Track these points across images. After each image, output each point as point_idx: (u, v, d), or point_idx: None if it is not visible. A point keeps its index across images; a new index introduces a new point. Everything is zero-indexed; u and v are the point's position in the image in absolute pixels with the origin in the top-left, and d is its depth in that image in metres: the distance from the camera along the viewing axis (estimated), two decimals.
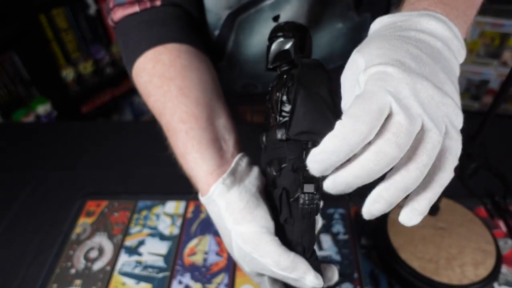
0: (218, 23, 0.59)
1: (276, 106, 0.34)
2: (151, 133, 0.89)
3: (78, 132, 0.87)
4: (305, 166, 0.24)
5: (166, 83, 0.44)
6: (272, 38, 0.39)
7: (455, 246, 0.57)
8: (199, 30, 0.58)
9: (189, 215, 0.68)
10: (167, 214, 0.68)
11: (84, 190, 0.74)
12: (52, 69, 1.41)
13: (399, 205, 0.69)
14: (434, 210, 0.61)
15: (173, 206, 0.70)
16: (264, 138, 0.37)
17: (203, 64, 0.48)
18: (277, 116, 0.35)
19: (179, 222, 0.67)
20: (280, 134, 0.34)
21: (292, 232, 0.37)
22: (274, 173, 0.36)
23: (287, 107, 0.33)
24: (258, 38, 0.61)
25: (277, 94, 0.34)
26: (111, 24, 0.55)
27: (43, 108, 1.43)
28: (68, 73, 1.46)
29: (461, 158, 0.50)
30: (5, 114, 1.37)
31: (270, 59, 0.38)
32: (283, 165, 0.35)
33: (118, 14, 0.52)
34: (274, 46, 0.38)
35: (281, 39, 0.38)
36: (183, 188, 0.76)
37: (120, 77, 1.66)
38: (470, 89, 1.79)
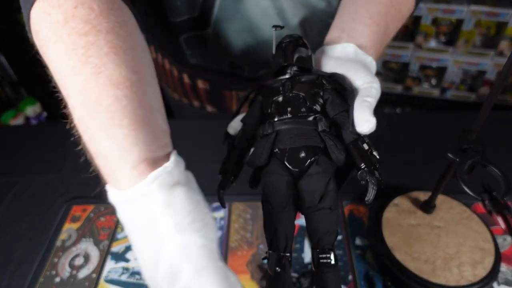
0: None
1: (313, 98, 0.36)
2: None
3: (63, 133, 0.83)
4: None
5: (93, 33, 0.31)
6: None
7: (452, 245, 0.55)
8: None
9: None
10: None
11: (70, 194, 0.71)
12: (40, 69, 1.38)
13: (393, 203, 0.66)
14: (430, 207, 0.59)
15: None
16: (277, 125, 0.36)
17: (138, 30, 0.37)
18: (313, 107, 0.36)
19: None
20: (321, 126, 0.35)
21: (328, 220, 0.32)
22: (311, 158, 0.34)
23: (317, 103, 0.37)
24: (248, 5, 0.58)
25: (317, 89, 0.37)
26: None
27: (32, 109, 1.40)
28: None
29: (457, 155, 0.48)
30: None
31: (287, 57, 0.40)
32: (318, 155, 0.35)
33: None
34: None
35: (302, 46, 0.41)
36: None
37: None
38: (466, 81, 1.77)
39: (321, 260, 0.31)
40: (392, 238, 0.57)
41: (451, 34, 1.67)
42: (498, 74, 1.65)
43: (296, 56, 0.39)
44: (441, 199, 0.61)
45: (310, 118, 0.36)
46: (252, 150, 0.38)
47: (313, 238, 0.32)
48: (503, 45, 1.63)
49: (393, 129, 0.83)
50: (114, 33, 0.32)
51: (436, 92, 1.81)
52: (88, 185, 0.73)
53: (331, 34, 0.47)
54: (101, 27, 0.32)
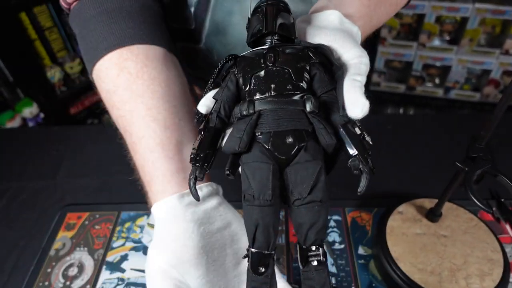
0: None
1: (299, 74, 0.32)
2: None
3: (57, 138, 0.82)
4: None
5: (133, 99, 0.41)
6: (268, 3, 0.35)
7: (459, 255, 0.53)
8: (164, 18, 0.52)
9: None
10: (152, 226, 0.64)
11: (64, 201, 0.69)
12: (37, 69, 1.36)
13: (397, 210, 0.64)
14: (435, 216, 0.57)
15: None
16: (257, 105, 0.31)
17: (172, 72, 0.44)
18: (299, 84, 0.32)
19: None
20: (310, 106, 0.30)
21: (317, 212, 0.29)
22: (299, 144, 0.30)
23: (304, 79, 0.32)
24: (237, 18, 0.55)
25: (303, 63, 0.32)
26: (64, 5, 0.48)
27: (28, 111, 1.38)
28: (54, 73, 1.41)
29: (466, 164, 0.45)
30: None
31: (268, 23, 0.34)
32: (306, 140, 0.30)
33: None
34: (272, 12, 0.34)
35: (285, 12, 0.35)
36: None
37: None
38: (471, 80, 1.74)
39: (310, 258, 0.29)
40: (396, 247, 0.54)
41: (456, 33, 1.64)
42: (504, 74, 1.63)
43: (278, 22, 0.34)
44: (447, 207, 0.58)
45: (297, 97, 0.31)
46: (228, 132, 0.33)
47: (301, 233, 0.29)
48: (509, 43, 1.60)
49: (396, 132, 0.81)
50: (149, 93, 0.42)
51: (439, 92, 1.78)
52: (83, 192, 0.71)
53: (318, 3, 0.43)
54: (139, 90, 0.42)
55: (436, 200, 0.57)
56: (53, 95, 1.44)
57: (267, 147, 0.30)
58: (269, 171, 0.29)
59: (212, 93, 0.34)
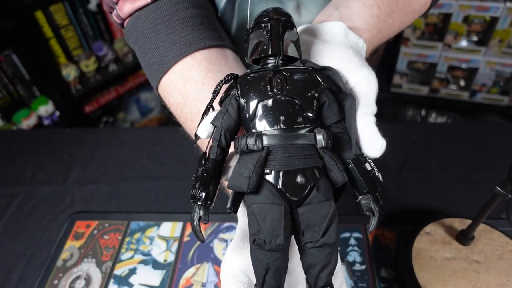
0: (220, 5, 0.51)
1: (309, 104, 0.30)
2: (148, 141, 0.84)
3: (70, 141, 0.81)
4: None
5: (203, 107, 0.38)
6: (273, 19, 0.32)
7: (494, 284, 0.48)
8: (216, 14, 0.51)
9: (185, 238, 0.61)
10: (162, 238, 0.61)
11: (74, 207, 0.67)
12: (53, 67, 1.36)
13: (424, 231, 0.60)
14: (467, 238, 0.52)
15: (169, 228, 0.63)
16: (265, 139, 0.29)
17: (237, 69, 0.43)
18: (309, 115, 0.30)
19: (174, 247, 0.60)
20: (322, 142, 0.29)
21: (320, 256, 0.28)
22: (310, 184, 0.29)
23: (313, 110, 0.30)
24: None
25: (312, 91, 0.31)
26: (117, 21, 0.47)
27: (44, 109, 1.37)
28: (70, 72, 1.40)
29: (508, 190, 0.41)
30: (5, 116, 1.33)
31: (274, 43, 0.31)
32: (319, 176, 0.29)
33: (126, 8, 0.44)
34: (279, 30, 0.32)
35: (291, 29, 0.32)
36: (180, 205, 0.70)
37: (125, 74, 1.58)
38: (499, 83, 1.65)
39: None
40: (423, 273, 0.50)
41: (484, 33, 1.56)
42: None
43: (285, 42, 0.31)
44: (479, 228, 0.54)
45: (307, 130, 0.30)
46: (232, 166, 0.31)
47: (311, 274, 0.29)
48: None
49: (422, 141, 0.76)
50: None
51: (465, 95, 1.70)
52: (93, 198, 0.69)
53: (324, 10, 0.42)
54: (206, 96, 0.38)
55: (468, 221, 0.53)
56: (68, 94, 1.43)
57: (278, 187, 0.28)
58: (281, 213, 0.28)
59: (211, 116, 0.32)
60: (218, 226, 0.62)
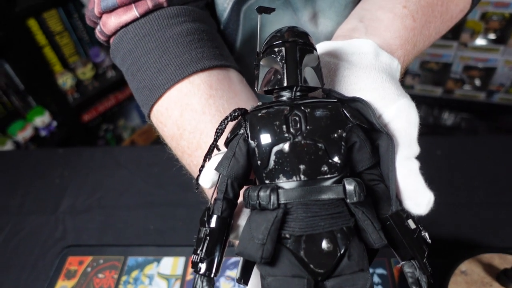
0: (223, 15, 0.45)
1: (335, 148, 0.25)
2: (145, 161, 0.77)
3: (62, 162, 0.74)
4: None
5: (202, 140, 0.35)
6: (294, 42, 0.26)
7: None
8: (218, 28, 0.45)
9: (188, 277, 0.55)
10: (162, 276, 0.55)
11: (66, 240, 0.61)
12: (48, 76, 1.29)
13: (459, 269, 0.53)
14: (510, 279, 0.45)
15: (170, 265, 0.56)
16: (276, 195, 0.24)
17: (242, 95, 0.37)
18: (336, 162, 0.25)
19: (177, 287, 0.54)
20: (354, 197, 0.24)
21: None
22: (340, 251, 0.23)
23: (341, 154, 0.25)
24: (268, 30, 0.46)
25: (339, 131, 0.25)
26: (101, 38, 0.40)
27: (40, 120, 1.32)
28: (66, 80, 1.34)
29: None
30: (0, 128, 1.27)
31: (290, 73, 0.26)
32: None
33: (111, 23, 0.37)
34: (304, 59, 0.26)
35: (310, 52, 0.26)
36: (182, 237, 0.64)
37: (124, 80, 1.51)
38: None
39: None
40: None
41: (503, 31, 1.47)
42: None
43: (304, 71, 0.26)
44: None
45: (334, 180, 0.24)
46: (242, 224, 0.26)
47: None
48: None
49: (448, 158, 0.68)
50: None
51: (481, 96, 1.62)
52: (86, 229, 0.63)
53: (346, 23, 0.35)
54: (207, 128, 0.35)
55: (510, 257, 0.46)
56: (65, 103, 1.37)
57: (299, 256, 0.23)
58: None
59: (215, 160, 0.27)
60: (224, 262, 0.55)
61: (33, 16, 1.20)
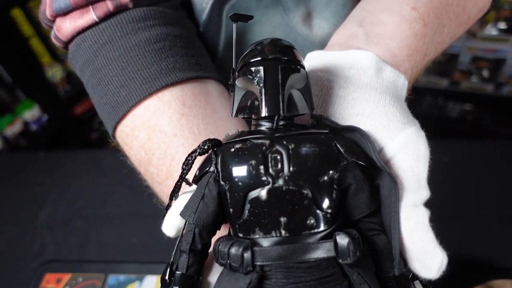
0: (202, 16, 0.39)
1: (325, 193, 0.20)
2: (129, 166, 0.72)
3: (43, 168, 0.70)
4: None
5: (174, 168, 0.30)
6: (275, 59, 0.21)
7: None
8: (197, 31, 0.39)
9: None
10: None
11: (44, 255, 0.57)
12: (36, 68, 1.24)
13: None
14: None
15: (153, 284, 0.52)
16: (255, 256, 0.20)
17: (222, 113, 0.33)
18: (326, 211, 0.20)
19: None
20: (349, 257, 0.20)
21: None
22: None
23: (332, 200, 0.20)
24: (256, 31, 0.41)
25: (331, 172, 0.20)
26: (58, 44, 0.35)
27: (30, 114, 1.27)
28: (56, 72, 1.29)
29: None
30: None
31: (270, 100, 0.21)
32: None
33: (66, 29, 0.32)
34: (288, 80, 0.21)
35: (295, 71, 0.21)
36: (167, 252, 0.59)
37: None
38: None
39: None
40: None
41: None
42: None
43: (287, 96, 0.21)
44: None
45: (322, 235, 0.20)
46: (212, 282, 0.22)
47: None
48: None
49: (456, 165, 0.63)
50: None
51: (489, 88, 1.55)
52: (66, 244, 0.59)
53: (344, 27, 0.30)
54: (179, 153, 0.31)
55: None
56: (56, 96, 1.32)
57: None
58: None
59: (182, 201, 0.23)
60: None
61: (17, 5, 1.14)
